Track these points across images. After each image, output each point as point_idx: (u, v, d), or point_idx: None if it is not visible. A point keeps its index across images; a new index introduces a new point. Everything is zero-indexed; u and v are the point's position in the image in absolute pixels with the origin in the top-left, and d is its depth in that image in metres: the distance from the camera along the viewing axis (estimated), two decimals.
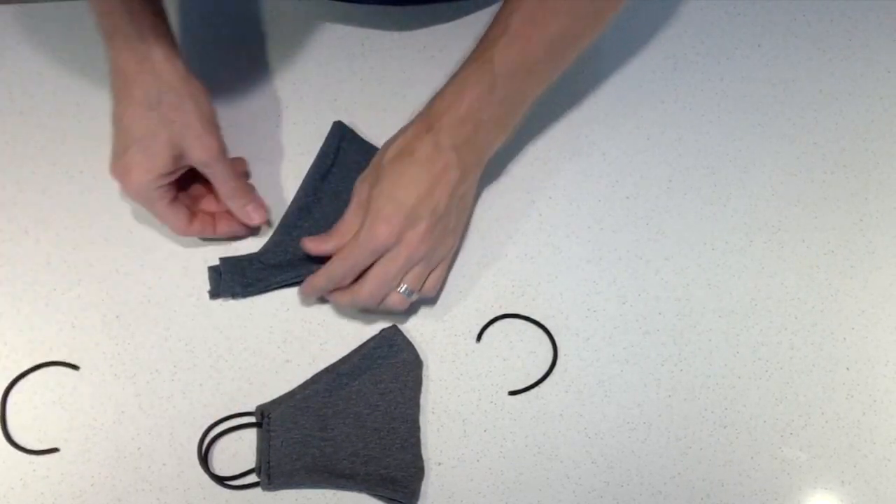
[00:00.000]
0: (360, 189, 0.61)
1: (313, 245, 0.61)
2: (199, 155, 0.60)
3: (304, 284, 0.62)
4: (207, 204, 0.66)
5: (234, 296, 0.64)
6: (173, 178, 0.61)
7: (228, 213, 0.65)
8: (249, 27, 0.75)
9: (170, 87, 0.58)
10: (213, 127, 0.61)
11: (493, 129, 0.60)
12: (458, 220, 0.62)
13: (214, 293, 0.65)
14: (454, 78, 0.60)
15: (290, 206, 0.67)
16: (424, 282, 0.62)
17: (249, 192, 0.64)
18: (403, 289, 0.60)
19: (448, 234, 0.61)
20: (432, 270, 0.62)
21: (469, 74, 0.58)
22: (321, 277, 0.61)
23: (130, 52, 0.57)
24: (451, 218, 0.61)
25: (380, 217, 0.58)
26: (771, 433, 0.63)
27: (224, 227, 0.65)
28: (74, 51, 0.73)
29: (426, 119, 0.60)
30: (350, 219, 0.61)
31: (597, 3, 0.59)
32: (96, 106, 0.71)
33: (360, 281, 0.60)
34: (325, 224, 0.65)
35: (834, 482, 0.62)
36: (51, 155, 0.70)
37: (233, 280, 0.64)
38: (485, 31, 0.60)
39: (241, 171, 0.68)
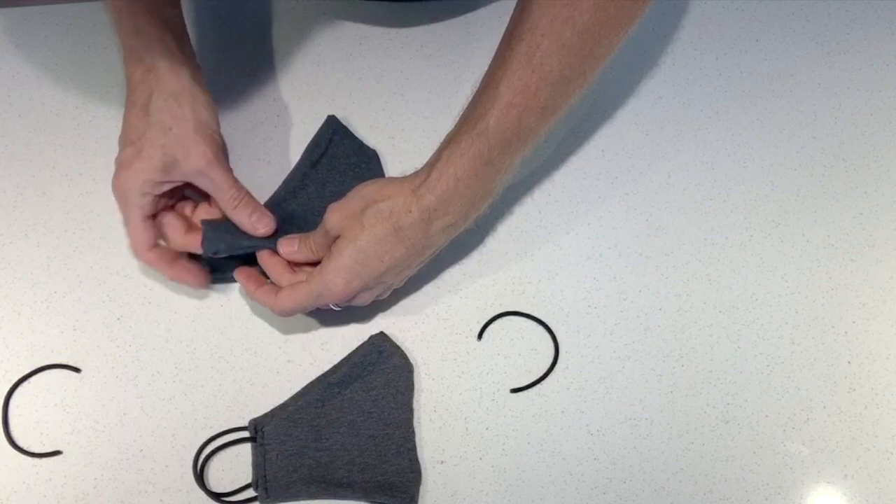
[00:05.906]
0: (332, 218, 0.59)
1: (284, 249, 0.62)
2: (194, 162, 0.59)
3: (246, 281, 0.62)
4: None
5: (217, 252, 0.61)
6: (160, 189, 0.60)
7: (186, 261, 0.63)
8: (247, 27, 0.75)
9: (170, 95, 0.59)
10: (210, 137, 0.60)
11: (482, 199, 0.59)
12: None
13: (208, 251, 0.63)
14: (447, 147, 0.57)
15: (279, 187, 0.68)
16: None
17: (252, 201, 0.62)
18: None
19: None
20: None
21: (465, 149, 0.56)
22: (262, 296, 0.61)
23: (138, 62, 0.60)
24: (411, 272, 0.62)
25: (340, 276, 0.58)
26: (773, 428, 0.63)
27: (177, 272, 0.62)
28: (74, 54, 0.73)
29: (420, 190, 0.57)
30: (318, 241, 0.60)
31: (588, 60, 0.56)
32: (95, 109, 0.71)
33: (290, 296, 0.60)
34: (306, 208, 0.67)
35: (837, 476, 0.62)
36: (50, 158, 0.70)
37: (216, 237, 0.62)
38: (475, 95, 0.58)
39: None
